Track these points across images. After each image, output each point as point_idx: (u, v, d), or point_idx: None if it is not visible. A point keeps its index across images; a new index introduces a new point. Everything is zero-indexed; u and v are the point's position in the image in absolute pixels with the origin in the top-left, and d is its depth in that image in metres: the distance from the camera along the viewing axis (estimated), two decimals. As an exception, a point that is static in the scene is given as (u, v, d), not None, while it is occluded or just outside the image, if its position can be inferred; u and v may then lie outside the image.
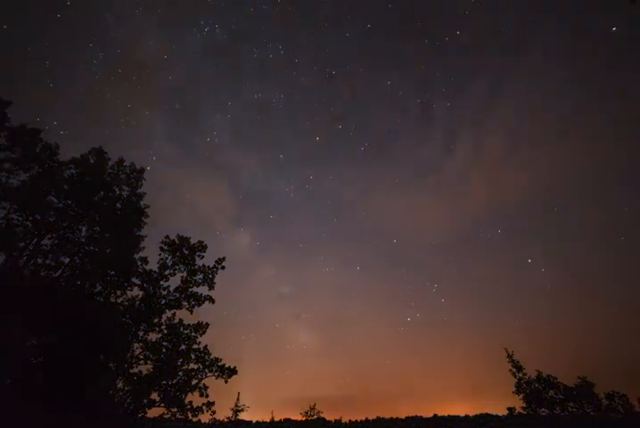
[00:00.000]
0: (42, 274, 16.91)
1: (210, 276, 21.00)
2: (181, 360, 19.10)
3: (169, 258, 20.72)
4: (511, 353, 22.14)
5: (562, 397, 20.48)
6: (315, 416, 42.43)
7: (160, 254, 20.73)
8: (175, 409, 18.18)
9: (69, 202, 17.76)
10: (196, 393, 18.91)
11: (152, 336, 19.24)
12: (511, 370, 21.89)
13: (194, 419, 18.79)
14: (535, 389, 20.86)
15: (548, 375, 21.37)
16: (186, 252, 20.98)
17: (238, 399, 36.98)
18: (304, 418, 42.43)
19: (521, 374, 21.61)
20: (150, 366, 18.48)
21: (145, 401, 17.74)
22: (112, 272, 18.68)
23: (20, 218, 16.53)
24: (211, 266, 21.21)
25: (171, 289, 20.30)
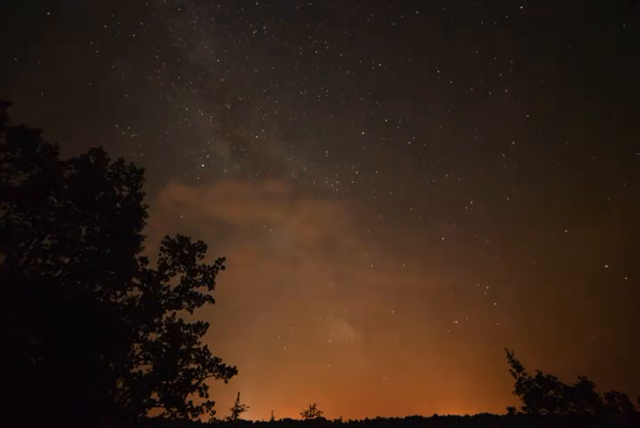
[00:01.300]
0: (42, 274, 16.92)
1: (211, 276, 21.01)
2: (181, 360, 19.11)
3: (169, 258, 20.73)
4: (511, 353, 22.14)
5: (561, 397, 20.48)
6: (315, 416, 42.46)
7: (160, 254, 20.75)
8: (175, 409, 18.18)
9: (69, 202, 17.76)
10: (196, 393, 18.92)
11: (152, 336, 19.27)
12: (511, 370, 21.90)
13: (194, 419, 18.80)
14: (535, 389, 20.87)
15: (548, 375, 21.38)
16: (186, 252, 20.99)
17: (238, 399, 37.02)
18: (304, 418, 42.48)
19: (521, 374, 21.62)
20: (150, 366, 18.49)
21: (145, 401, 17.74)
22: (112, 272, 18.68)
23: (20, 218, 16.53)
24: (211, 266, 21.23)
25: (171, 289, 20.33)
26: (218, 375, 19.53)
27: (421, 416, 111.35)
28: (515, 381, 21.62)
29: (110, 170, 19.45)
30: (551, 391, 20.75)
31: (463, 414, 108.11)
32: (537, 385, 21.02)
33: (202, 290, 21.20)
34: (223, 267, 21.51)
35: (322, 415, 44.13)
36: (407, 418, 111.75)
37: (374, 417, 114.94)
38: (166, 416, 18.20)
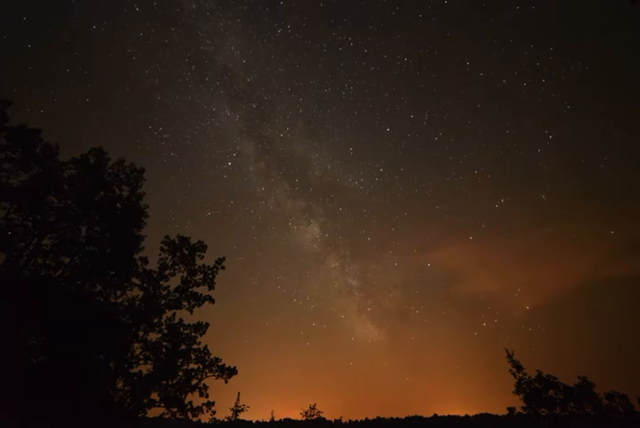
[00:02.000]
0: (42, 274, 16.92)
1: (210, 276, 21.01)
2: (181, 360, 19.11)
3: (169, 258, 20.74)
4: (511, 353, 22.15)
5: (561, 397, 20.49)
6: (315, 416, 42.48)
7: (160, 254, 20.76)
8: (175, 409, 18.19)
9: (69, 202, 17.76)
10: (196, 393, 18.93)
11: (152, 336, 19.28)
12: (511, 370, 21.90)
13: (194, 419, 18.80)
14: (535, 389, 20.87)
15: (548, 375, 21.38)
16: (186, 252, 20.99)
17: (238, 399, 37.01)
18: (304, 418, 42.50)
19: (521, 374, 21.63)
20: (150, 366, 18.50)
21: (145, 401, 17.74)
22: (112, 272, 18.68)
23: (20, 218, 16.53)
24: (211, 266, 21.24)
25: (171, 289, 20.33)
26: (218, 375, 19.54)
27: (421, 416, 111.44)
28: (515, 381, 21.64)
29: (110, 170, 19.44)
30: (551, 391, 20.75)
31: (463, 414, 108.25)
32: (537, 385, 21.03)
33: (202, 290, 21.26)
34: (223, 267, 21.51)
35: (322, 415, 44.19)
36: (407, 418, 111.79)
37: (374, 417, 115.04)
38: (166, 416, 18.21)
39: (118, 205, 19.61)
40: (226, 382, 19.71)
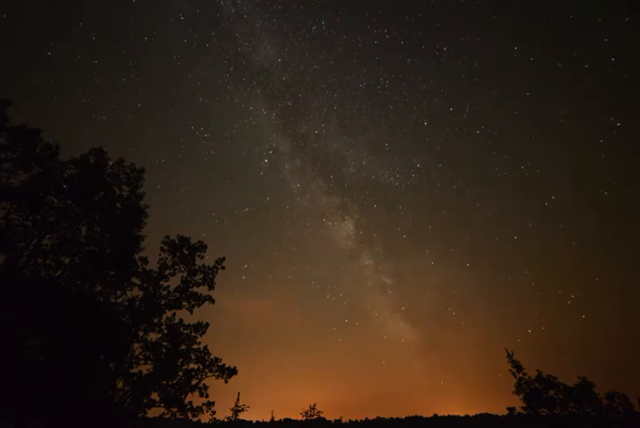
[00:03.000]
0: (42, 274, 16.91)
1: (210, 276, 21.00)
2: (181, 360, 19.11)
3: (169, 258, 20.73)
4: (511, 353, 22.12)
5: (561, 397, 20.46)
6: (315, 416, 42.46)
7: (160, 254, 20.76)
8: (175, 409, 18.18)
9: (69, 202, 17.76)
10: (196, 393, 18.92)
11: (152, 336, 19.27)
12: (511, 370, 21.87)
13: (194, 419, 18.80)
14: (535, 389, 20.85)
15: (548, 375, 21.34)
16: (186, 252, 20.99)
17: (238, 399, 37.00)
18: (304, 418, 42.47)
19: (521, 374, 21.60)
20: (150, 366, 18.49)
21: (145, 401, 17.74)
22: (112, 272, 18.68)
23: (20, 218, 16.53)
24: (211, 266, 21.23)
25: (171, 289, 20.33)
26: (218, 375, 19.54)
27: (421, 416, 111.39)
28: (515, 381, 21.61)
29: (110, 170, 19.45)
30: (551, 391, 20.72)
31: (463, 414, 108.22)
32: (537, 385, 21.00)
33: (202, 290, 21.25)
34: (223, 268, 21.51)
35: (322, 416, 44.15)
36: (407, 418, 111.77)
37: (374, 417, 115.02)
38: (166, 416, 18.21)
39: (119, 205, 19.61)
40: (226, 382, 19.71)
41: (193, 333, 19.97)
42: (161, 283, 20.15)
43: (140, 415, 17.71)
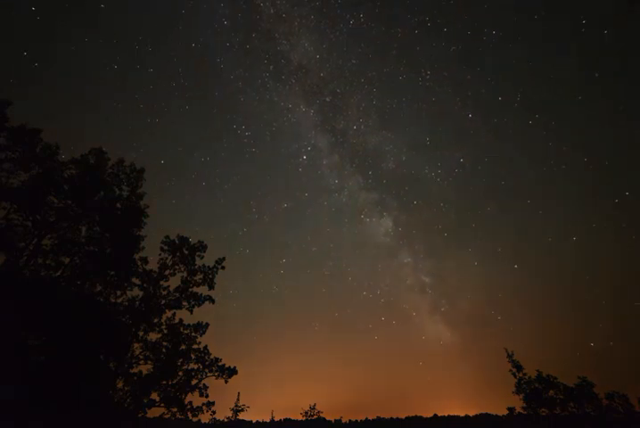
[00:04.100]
0: (42, 274, 16.92)
1: (210, 276, 21.00)
2: (181, 360, 19.10)
3: (169, 258, 20.73)
4: (511, 353, 22.12)
5: (561, 397, 20.45)
6: (315, 416, 42.46)
7: (160, 254, 20.75)
8: (175, 409, 18.18)
9: (69, 202, 17.76)
10: (196, 393, 18.92)
11: (152, 336, 19.27)
12: (511, 370, 21.88)
13: (194, 419, 18.79)
14: (535, 389, 20.85)
15: (548, 375, 21.34)
16: (186, 252, 20.99)
17: (238, 399, 36.99)
18: (304, 418, 42.45)
19: (521, 374, 21.60)
20: (150, 366, 18.49)
21: (145, 401, 17.74)
22: (112, 272, 18.68)
23: (20, 218, 16.53)
24: (211, 266, 21.23)
25: (171, 289, 20.33)
26: (218, 375, 19.54)
27: (421, 416, 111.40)
28: (515, 381, 21.61)
29: (110, 170, 19.46)
30: (551, 391, 20.72)
31: (463, 414, 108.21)
32: (537, 385, 21.00)
33: (202, 290, 21.25)
34: (223, 268, 21.50)
35: (322, 416, 44.14)
36: (407, 418, 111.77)
37: (374, 417, 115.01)
38: (166, 416, 18.21)
39: (119, 205, 19.61)
40: (226, 382, 19.70)
41: (193, 333, 19.97)
42: (161, 283, 20.16)
43: (140, 415, 17.70)
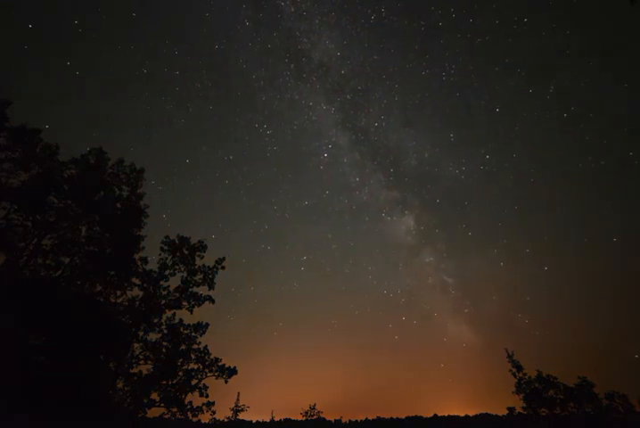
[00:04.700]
0: (42, 274, 16.92)
1: (210, 276, 20.99)
2: (181, 360, 19.10)
3: (169, 258, 20.72)
4: (511, 353, 22.14)
5: (561, 397, 20.47)
6: (315, 416, 42.48)
7: (160, 254, 20.74)
8: (175, 409, 18.18)
9: (69, 202, 17.76)
10: (196, 393, 18.91)
11: (152, 336, 19.26)
12: (511, 370, 21.89)
13: (194, 419, 18.79)
14: (535, 389, 20.86)
15: (548, 375, 21.36)
16: (186, 252, 20.98)
17: (238, 399, 37.01)
18: (304, 418, 42.48)
19: (521, 374, 21.61)
20: (150, 366, 18.48)
21: (145, 401, 17.74)
22: (112, 272, 18.68)
23: (20, 218, 16.53)
24: (211, 266, 21.22)
25: (171, 289, 20.32)
26: (218, 375, 19.53)
27: (421, 416, 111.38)
28: (515, 381, 21.63)
29: (110, 170, 19.46)
30: (551, 391, 20.73)
31: (463, 414, 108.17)
32: (537, 385, 21.01)
33: (202, 290, 21.23)
34: (223, 268, 21.48)
35: (322, 416, 44.15)
36: (407, 418, 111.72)
37: (374, 417, 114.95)
38: (166, 416, 18.20)
39: (119, 205, 19.61)
40: (226, 382, 19.69)
41: (193, 333, 19.96)
42: (161, 283, 20.14)
43: (140, 415, 17.69)
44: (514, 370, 21.80)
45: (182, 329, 19.81)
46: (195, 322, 20.30)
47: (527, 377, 21.49)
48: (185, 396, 18.56)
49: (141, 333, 18.97)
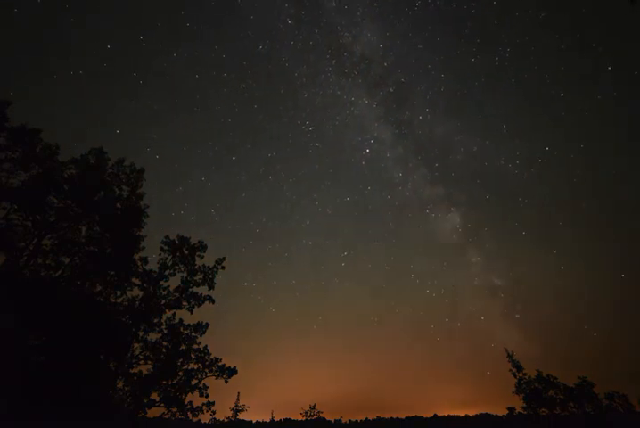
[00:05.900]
0: (42, 274, 16.91)
1: (210, 276, 20.99)
2: (181, 360, 19.09)
3: (169, 258, 20.71)
4: (511, 353, 22.13)
5: (561, 397, 20.47)
6: (315, 416, 42.48)
7: (160, 254, 20.73)
8: (175, 409, 18.17)
9: (69, 202, 17.76)
10: (196, 393, 18.91)
11: (152, 336, 19.26)
12: (511, 370, 21.88)
13: (194, 419, 18.79)
14: (535, 389, 20.85)
15: (548, 375, 21.35)
16: (186, 252, 20.97)
17: (238, 399, 37.00)
18: (304, 418, 42.48)
19: (521, 374, 21.61)
20: (150, 366, 18.48)
21: (145, 401, 17.73)
22: (112, 272, 18.67)
23: (20, 218, 16.53)
24: (211, 266, 21.21)
25: (171, 289, 20.31)
26: (218, 375, 19.52)
27: (421, 416, 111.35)
28: (515, 381, 21.63)
29: (110, 170, 19.45)
30: (551, 391, 20.74)
31: (463, 414, 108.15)
32: (537, 385, 21.01)
33: (202, 290, 21.22)
34: (223, 268, 21.48)
35: (322, 416, 44.16)
36: (407, 418, 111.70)
37: (374, 417, 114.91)
38: (166, 416, 18.20)
39: (119, 205, 19.60)
40: (226, 382, 19.69)
41: (193, 333, 19.95)
42: (161, 283, 20.14)
43: (140, 415, 17.69)
44: (514, 370, 21.80)
45: (182, 329, 19.81)
46: (195, 322, 20.32)
47: (527, 377, 21.49)
48: (185, 396, 18.56)
49: (141, 333, 18.97)
